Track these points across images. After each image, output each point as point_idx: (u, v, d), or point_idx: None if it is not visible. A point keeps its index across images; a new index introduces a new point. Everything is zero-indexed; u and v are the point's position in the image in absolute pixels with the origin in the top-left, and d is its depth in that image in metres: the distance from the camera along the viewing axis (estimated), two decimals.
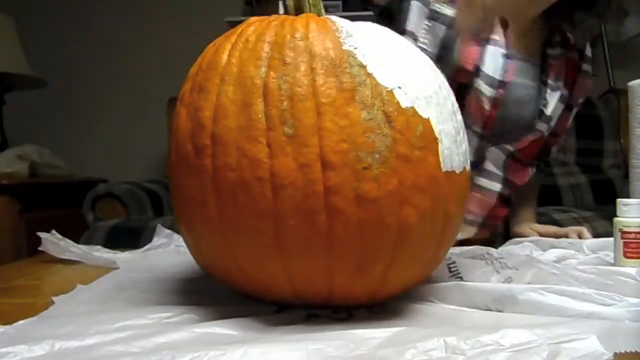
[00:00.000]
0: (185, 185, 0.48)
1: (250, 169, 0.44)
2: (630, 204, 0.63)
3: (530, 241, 0.80)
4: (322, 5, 0.55)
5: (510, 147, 0.90)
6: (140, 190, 1.97)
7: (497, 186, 0.90)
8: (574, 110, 0.95)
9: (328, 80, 0.44)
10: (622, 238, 0.63)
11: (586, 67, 0.94)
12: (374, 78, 0.45)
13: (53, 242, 0.81)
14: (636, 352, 0.39)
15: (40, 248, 0.81)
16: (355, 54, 0.46)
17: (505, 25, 0.86)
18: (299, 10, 0.54)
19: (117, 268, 0.74)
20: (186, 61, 0.63)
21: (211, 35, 0.62)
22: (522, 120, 0.87)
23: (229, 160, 0.44)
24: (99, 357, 0.40)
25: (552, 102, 0.89)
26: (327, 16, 0.52)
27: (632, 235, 0.62)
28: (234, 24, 0.57)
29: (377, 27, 0.52)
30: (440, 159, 0.46)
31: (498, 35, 0.85)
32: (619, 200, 0.64)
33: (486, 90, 0.83)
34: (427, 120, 0.46)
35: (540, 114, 0.88)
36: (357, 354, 0.39)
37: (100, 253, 0.82)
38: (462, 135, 0.51)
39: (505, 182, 0.91)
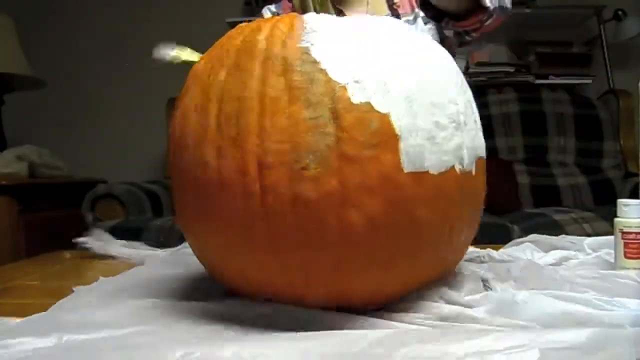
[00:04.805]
0: (176, 185, 0.51)
1: (203, 171, 0.46)
2: (630, 205, 0.63)
3: (530, 241, 0.80)
4: (329, 5, 0.54)
5: None
6: (140, 191, 1.97)
7: None
8: None
9: (278, 80, 0.44)
10: (622, 238, 0.62)
11: None
12: (326, 74, 0.43)
13: (96, 239, 0.86)
14: (637, 359, 0.39)
15: (83, 245, 0.85)
16: (309, 51, 0.44)
17: None
18: (304, 10, 0.53)
19: (139, 265, 0.77)
20: None
21: (211, 35, 0.62)
22: None
23: (188, 162, 0.47)
24: (105, 349, 0.41)
25: None
26: (310, 14, 0.50)
27: (632, 236, 0.62)
28: (234, 24, 0.57)
29: (366, 18, 0.50)
30: (402, 158, 0.43)
31: None
32: (619, 200, 0.64)
33: None
34: (386, 116, 0.43)
35: None
36: (353, 351, 0.39)
37: (139, 250, 0.87)
38: (451, 131, 0.46)
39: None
